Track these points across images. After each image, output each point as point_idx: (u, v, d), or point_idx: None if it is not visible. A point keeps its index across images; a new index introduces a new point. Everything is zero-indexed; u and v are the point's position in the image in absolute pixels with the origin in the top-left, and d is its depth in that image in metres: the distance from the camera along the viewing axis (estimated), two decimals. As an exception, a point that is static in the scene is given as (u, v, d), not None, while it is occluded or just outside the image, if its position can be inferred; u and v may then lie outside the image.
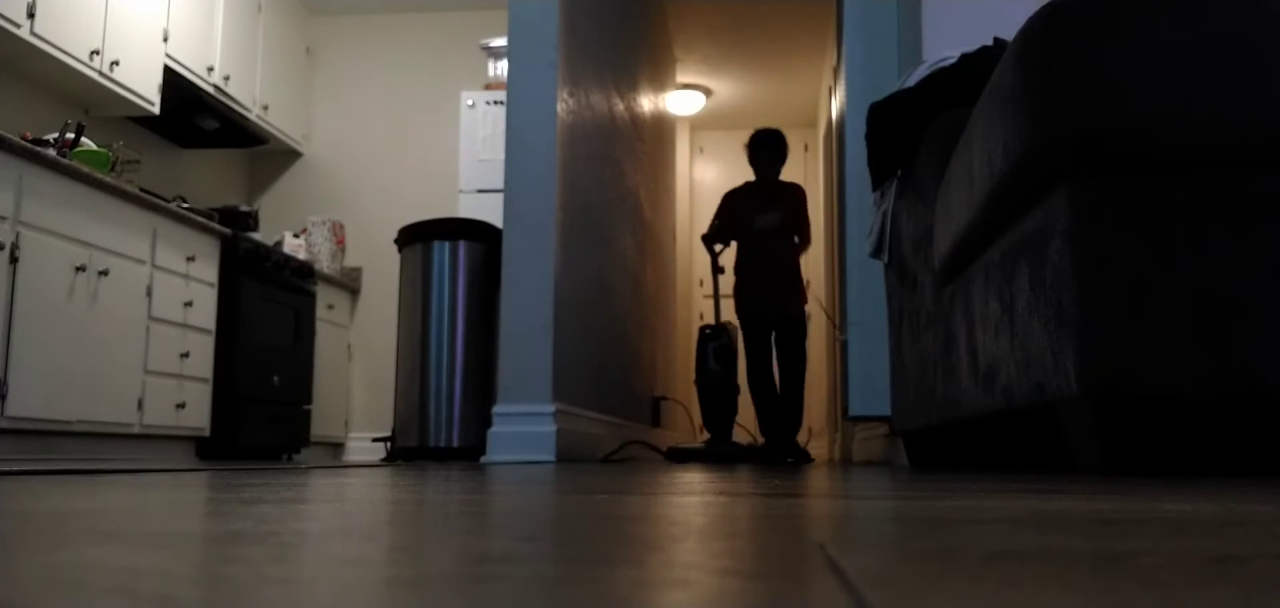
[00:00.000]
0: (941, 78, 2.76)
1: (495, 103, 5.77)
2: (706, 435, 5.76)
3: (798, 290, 5.77)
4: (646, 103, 6.69)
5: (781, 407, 5.68)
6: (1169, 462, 1.65)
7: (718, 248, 5.88)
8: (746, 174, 6.02)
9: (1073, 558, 0.48)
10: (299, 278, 5.87)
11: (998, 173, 1.85)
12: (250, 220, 5.66)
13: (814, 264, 8.98)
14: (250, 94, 6.13)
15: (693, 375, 5.82)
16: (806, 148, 9.22)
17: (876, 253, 3.28)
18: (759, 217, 5.75)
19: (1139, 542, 0.56)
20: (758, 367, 5.77)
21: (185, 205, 5.14)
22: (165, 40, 5.31)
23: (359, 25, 7.06)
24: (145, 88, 5.15)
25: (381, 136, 6.94)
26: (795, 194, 5.83)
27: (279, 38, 6.52)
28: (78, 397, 4.16)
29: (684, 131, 9.29)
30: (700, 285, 9.36)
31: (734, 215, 5.83)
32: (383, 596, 0.37)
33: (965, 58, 2.74)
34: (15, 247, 3.81)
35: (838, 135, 5.34)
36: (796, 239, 5.80)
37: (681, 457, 5.21)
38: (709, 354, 5.64)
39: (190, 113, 5.74)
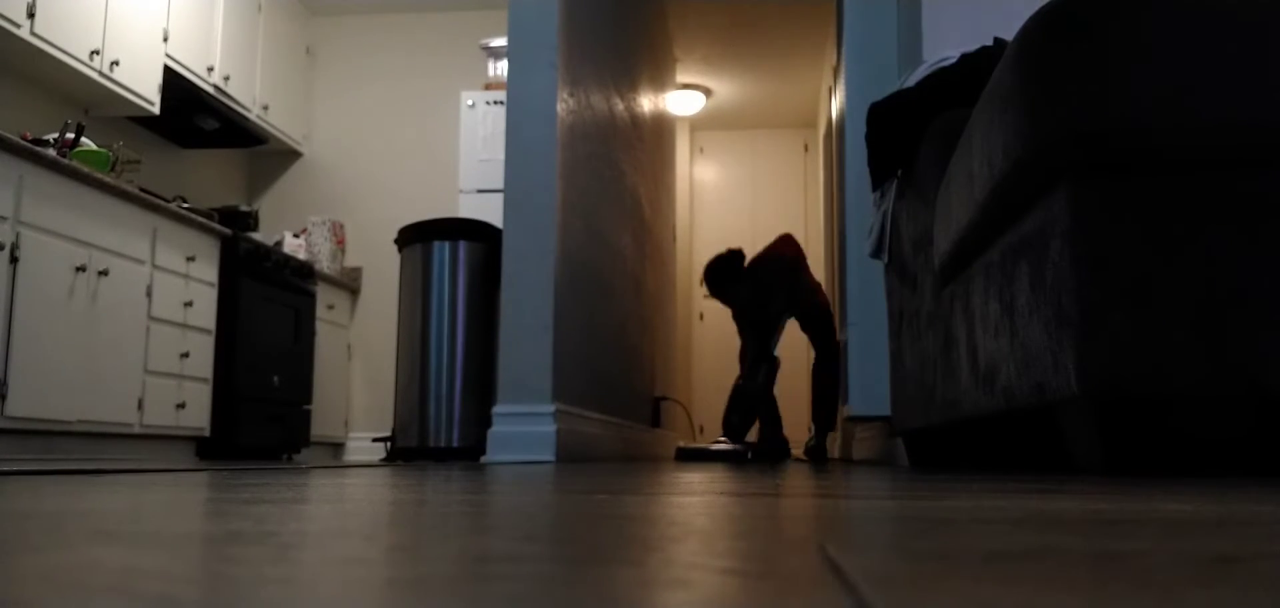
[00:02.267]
0: (941, 78, 2.76)
1: (495, 103, 5.77)
2: (709, 437, 5.81)
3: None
4: (646, 103, 6.69)
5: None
6: (1169, 462, 1.65)
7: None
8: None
9: (1073, 558, 0.48)
10: (299, 278, 5.87)
11: (998, 173, 1.85)
12: (250, 220, 5.66)
13: (815, 264, 8.98)
14: (250, 94, 6.13)
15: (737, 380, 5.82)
16: (806, 148, 9.22)
17: (876, 253, 3.28)
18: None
19: (1139, 542, 0.56)
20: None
21: (185, 205, 5.14)
22: (165, 40, 5.31)
23: (359, 25, 7.06)
24: (145, 88, 5.15)
25: (381, 136, 6.94)
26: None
27: (279, 38, 6.52)
28: (78, 397, 4.16)
29: (684, 131, 9.29)
30: (700, 286, 9.36)
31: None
32: (383, 596, 0.37)
33: (965, 58, 2.74)
34: (15, 247, 3.81)
35: (838, 135, 5.34)
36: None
37: (692, 457, 5.27)
38: (761, 372, 5.66)
39: (190, 113, 5.74)
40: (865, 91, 3.94)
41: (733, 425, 5.63)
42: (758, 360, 5.67)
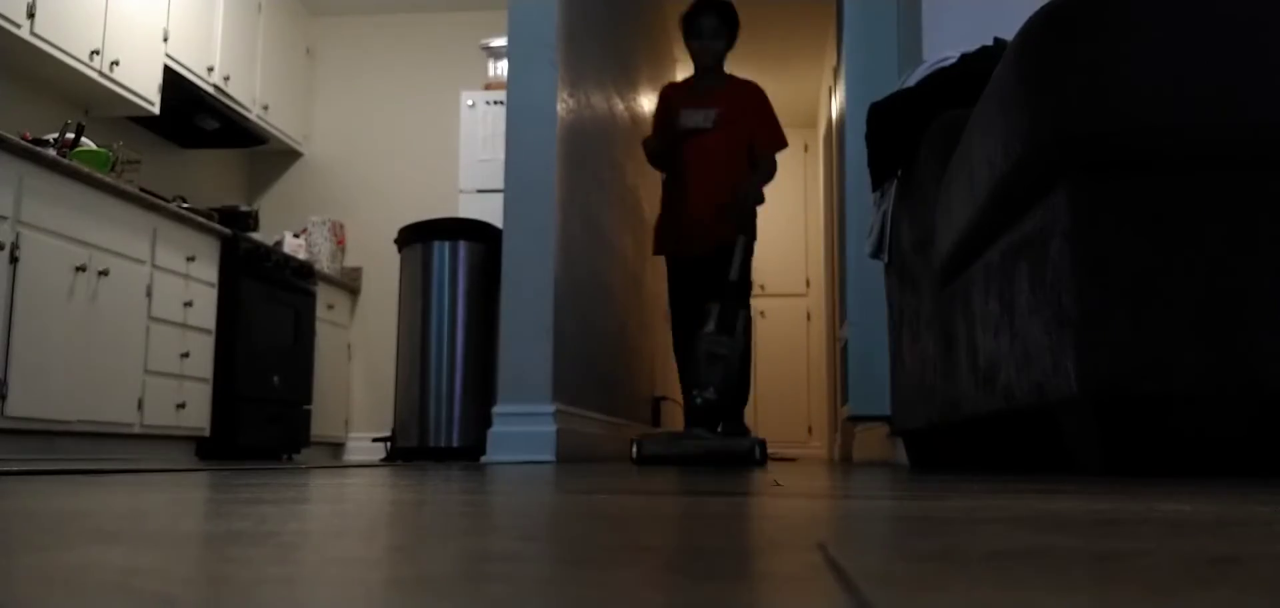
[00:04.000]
0: (941, 78, 2.76)
1: (495, 103, 5.77)
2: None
3: (741, 215, 4.12)
4: (646, 103, 6.69)
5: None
6: (1169, 462, 1.65)
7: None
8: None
9: (1072, 558, 0.48)
10: (299, 278, 5.87)
11: (998, 173, 1.85)
12: (250, 220, 5.66)
13: (814, 264, 8.97)
14: (250, 94, 6.13)
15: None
16: (806, 148, 9.22)
17: (876, 253, 3.28)
18: (687, 113, 4.30)
19: (1139, 542, 0.56)
20: (682, 327, 4.32)
21: (185, 205, 5.14)
22: (165, 40, 5.31)
23: (359, 25, 7.06)
24: (145, 88, 5.15)
25: (381, 137, 6.94)
26: (746, 89, 4.41)
27: (279, 38, 6.52)
28: (78, 397, 4.16)
29: (684, 132, 9.27)
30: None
31: (666, 116, 4.43)
32: (383, 596, 0.37)
33: (965, 58, 2.74)
34: (15, 247, 3.81)
35: (838, 135, 5.34)
36: (752, 146, 4.29)
37: (658, 460, 3.65)
38: (740, 320, 4.02)
39: (190, 113, 5.74)
40: (865, 91, 3.94)
41: (712, 407, 3.86)
42: (733, 305, 3.98)
